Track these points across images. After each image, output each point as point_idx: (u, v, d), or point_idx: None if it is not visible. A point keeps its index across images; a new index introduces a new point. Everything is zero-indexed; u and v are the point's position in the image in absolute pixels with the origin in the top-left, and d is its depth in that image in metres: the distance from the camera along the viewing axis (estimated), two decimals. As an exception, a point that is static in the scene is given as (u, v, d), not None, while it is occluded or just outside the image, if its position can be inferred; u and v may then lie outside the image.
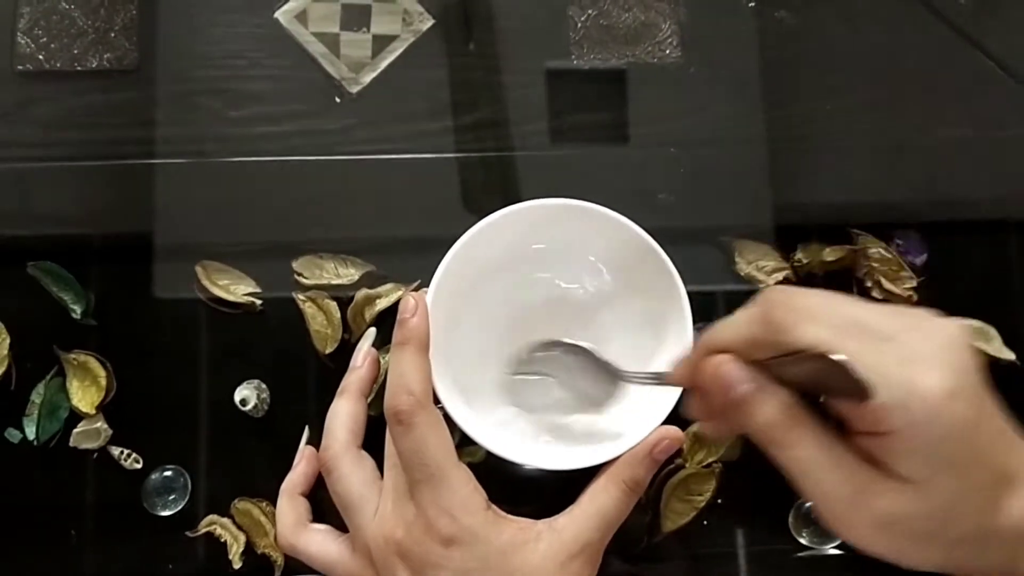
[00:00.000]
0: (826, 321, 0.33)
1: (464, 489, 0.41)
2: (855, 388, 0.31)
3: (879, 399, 0.31)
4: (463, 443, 0.43)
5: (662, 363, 0.44)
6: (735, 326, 0.35)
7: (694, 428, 0.49)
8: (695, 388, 0.38)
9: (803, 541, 0.49)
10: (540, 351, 0.46)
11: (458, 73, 0.53)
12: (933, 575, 0.35)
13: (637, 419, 0.43)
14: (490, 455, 0.43)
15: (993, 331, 0.50)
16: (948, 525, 0.33)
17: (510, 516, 0.42)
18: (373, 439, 0.45)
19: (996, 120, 0.53)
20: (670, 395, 0.43)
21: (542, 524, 0.42)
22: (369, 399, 0.47)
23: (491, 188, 0.52)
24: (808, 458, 0.33)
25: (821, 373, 0.32)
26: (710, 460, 0.49)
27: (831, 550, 0.49)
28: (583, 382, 0.45)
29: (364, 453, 0.45)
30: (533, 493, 0.45)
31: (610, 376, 0.44)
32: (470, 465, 0.42)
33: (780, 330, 0.33)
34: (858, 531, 0.33)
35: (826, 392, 0.34)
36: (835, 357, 0.31)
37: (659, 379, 0.41)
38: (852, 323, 0.33)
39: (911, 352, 0.32)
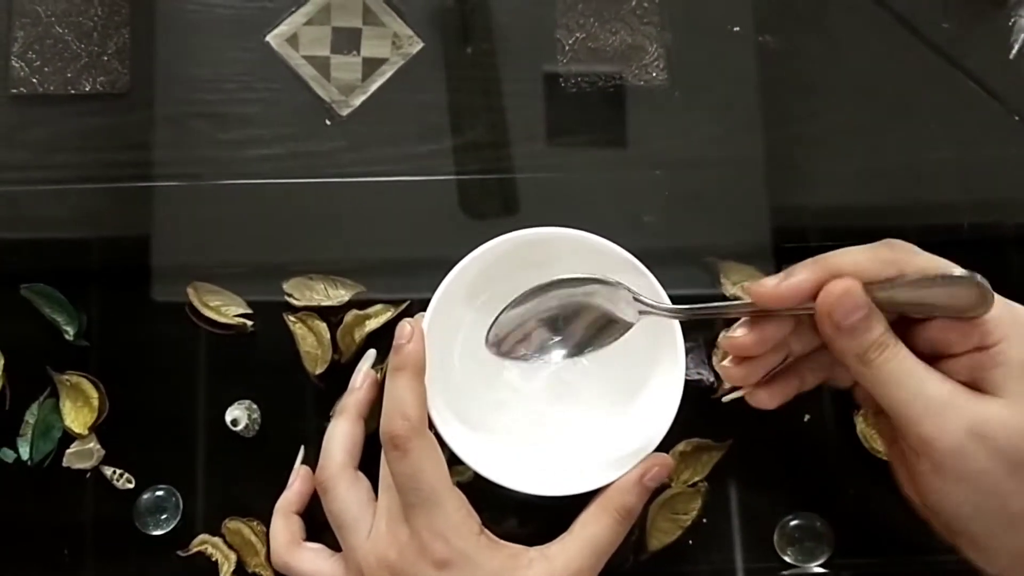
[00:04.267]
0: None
1: (458, 514, 0.41)
2: (973, 303, 0.36)
3: (992, 313, 0.37)
4: (452, 462, 0.43)
5: (657, 384, 0.45)
6: (855, 253, 0.39)
7: (680, 448, 0.49)
8: (776, 308, 0.39)
9: (788, 559, 0.50)
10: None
11: (447, 95, 0.53)
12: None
13: (628, 446, 0.44)
14: (479, 476, 0.43)
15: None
16: None
17: (503, 542, 0.42)
18: (368, 459, 0.46)
19: (979, 141, 0.54)
20: (661, 424, 0.43)
21: (534, 551, 0.42)
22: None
23: (481, 209, 0.52)
24: (909, 367, 0.37)
25: (937, 293, 0.37)
26: (696, 480, 0.50)
27: (816, 568, 0.50)
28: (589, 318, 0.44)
29: (360, 474, 0.46)
30: (526, 518, 0.46)
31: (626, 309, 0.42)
32: (459, 485, 0.42)
33: (909, 252, 0.38)
34: (951, 437, 0.36)
35: (933, 312, 0.38)
36: (962, 272, 0.37)
37: (733, 306, 0.41)
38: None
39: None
